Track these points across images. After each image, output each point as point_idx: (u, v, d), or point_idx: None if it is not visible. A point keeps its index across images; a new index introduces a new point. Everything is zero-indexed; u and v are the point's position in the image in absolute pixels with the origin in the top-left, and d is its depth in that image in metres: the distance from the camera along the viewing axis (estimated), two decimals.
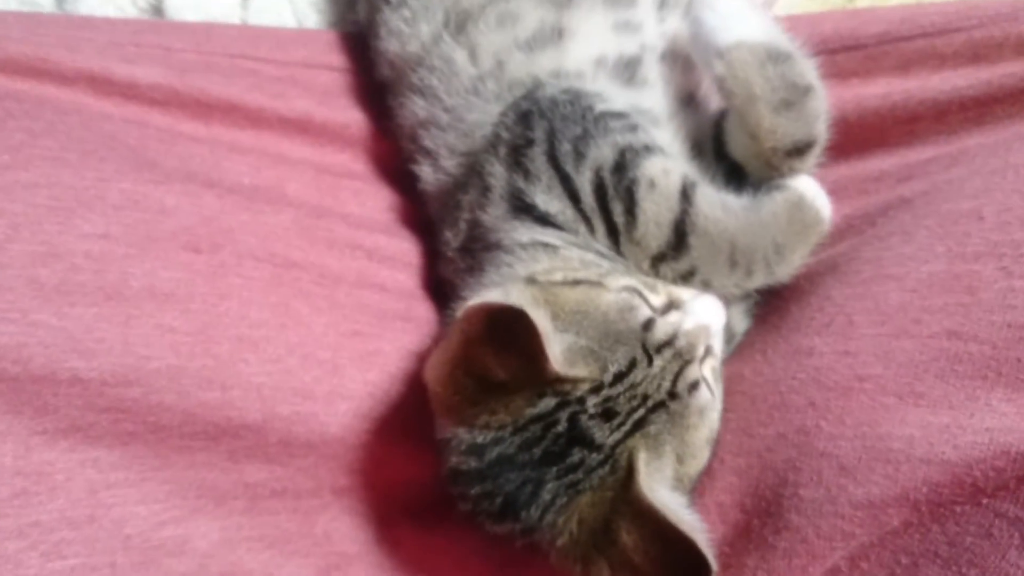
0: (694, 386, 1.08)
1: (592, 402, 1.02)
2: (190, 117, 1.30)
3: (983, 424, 0.90)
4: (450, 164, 1.33)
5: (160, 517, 1.02)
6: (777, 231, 1.15)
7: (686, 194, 1.13)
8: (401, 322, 1.28)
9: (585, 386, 1.02)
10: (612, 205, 1.14)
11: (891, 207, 1.18)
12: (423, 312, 1.32)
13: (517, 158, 1.20)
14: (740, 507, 1.07)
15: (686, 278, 1.15)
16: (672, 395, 1.06)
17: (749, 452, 1.08)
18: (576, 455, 1.02)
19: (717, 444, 1.12)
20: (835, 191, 1.22)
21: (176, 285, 1.08)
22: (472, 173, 1.27)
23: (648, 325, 1.07)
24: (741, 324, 1.25)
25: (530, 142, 1.20)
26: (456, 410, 1.04)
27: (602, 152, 1.16)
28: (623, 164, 1.15)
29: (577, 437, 1.02)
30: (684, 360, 1.08)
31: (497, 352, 0.99)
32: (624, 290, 1.09)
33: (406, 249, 1.38)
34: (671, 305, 1.13)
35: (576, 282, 1.09)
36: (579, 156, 1.17)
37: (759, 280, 1.17)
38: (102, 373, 0.99)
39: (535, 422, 1.02)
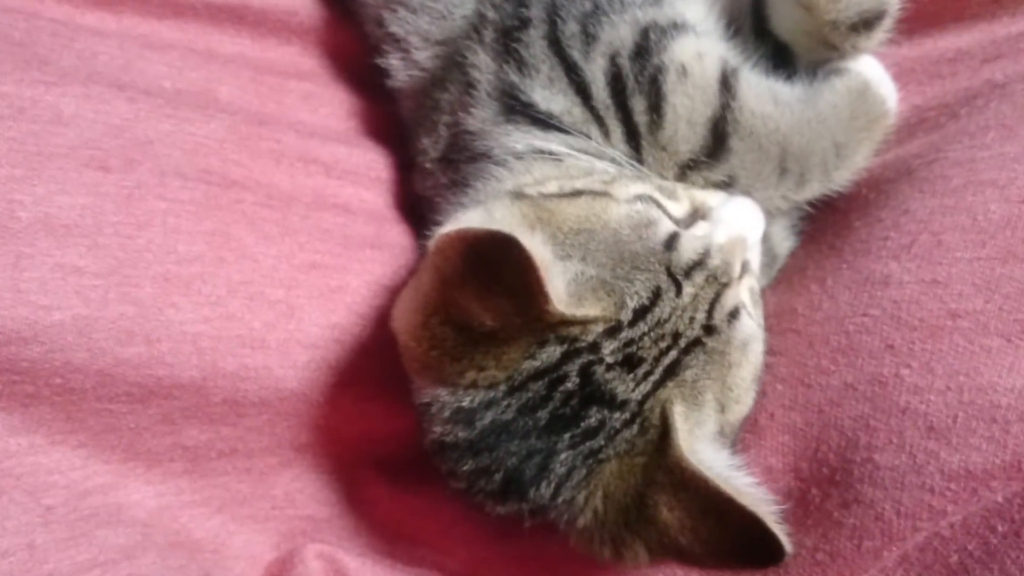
0: (734, 314, 0.87)
1: (609, 348, 0.82)
2: (94, 6, 1.07)
3: None
4: (424, 55, 1.09)
5: (83, 486, 0.87)
6: (839, 127, 0.93)
7: (727, 83, 0.91)
8: (370, 250, 1.08)
9: (598, 328, 0.82)
10: (632, 101, 0.92)
11: (978, 95, 0.95)
12: (397, 237, 1.12)
13: (508, 44, 0.96)
14: (795, 472, 0.87)
15: (720, 187, 0.93)
16: (709, 329, 0.85)
17: (807, 406, 0.88)
18: (594, 416, 0.82)
19: (762, 386, 0.92)
20: (900, 76, 1.00)
21: (79, 214, 0.87)
22: (452, 66, 1.03)
23: (671, 242, 0.86)
24: (784, 243, 1.04)
25: (525, 23, 0.96)
26: (434, 368, 0.83)
27: (619, 32, 0.93)
28: (646, 47, 0.92)
29: (594, 394, 0.82)
30: (720, 283, 0.87)
31: (481, 292, 0.77)
32: (637, 199, 0.87)
33: (372, 161, 1.15)
34: (696, 214, 0.91)
35: (576, 193, 0.88)
36: (589, 38, 0.93)
37: (813, 189, 0.95)
38: None
39: (537, 378, 0.82)
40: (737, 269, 0.89)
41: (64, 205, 0.86)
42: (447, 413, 0.85)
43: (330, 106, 1.19)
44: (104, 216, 0.88)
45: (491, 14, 0.99)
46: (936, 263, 0.83)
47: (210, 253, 0.94)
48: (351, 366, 1.01)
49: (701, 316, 0.85)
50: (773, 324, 0.95)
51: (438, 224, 0.90)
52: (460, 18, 1.05)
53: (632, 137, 0.93)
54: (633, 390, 0.82)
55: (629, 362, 0.82)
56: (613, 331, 0.82)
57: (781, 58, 1.01)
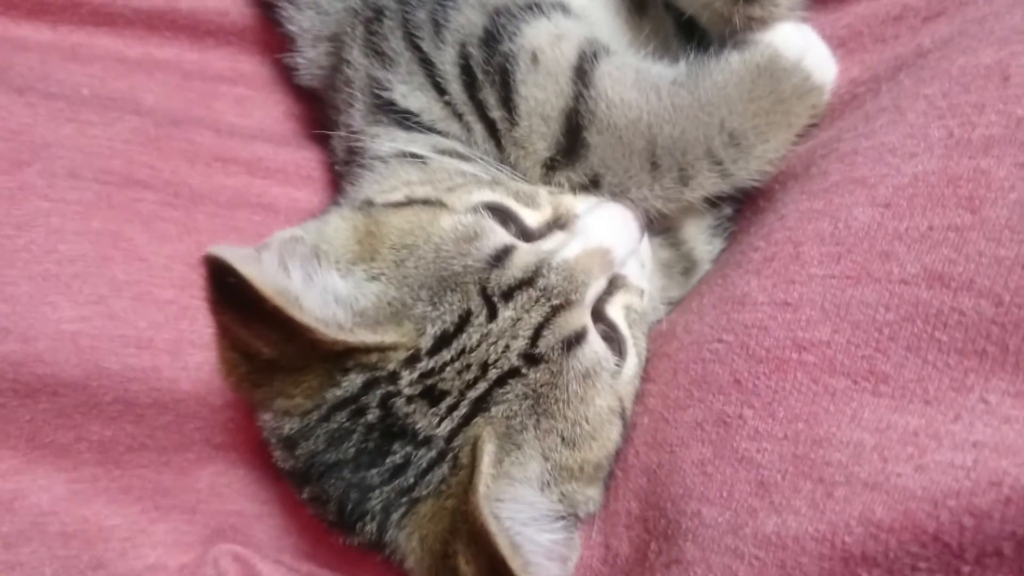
0: (573, 341, 0.75)
1: (407, 378, 0.73)
2: (29, 15, 1.09)
3: (970, 434, 0.55)
4: (315, 53, 1.03)
5: None
6: (730, 111, 0.78)
7: (581, 71, 0.79)
8: None
9: (399, 356, 0.73)
10: (483, 94, 0.82)
11: (903, 65, 0.76)
12: None
13: (370, 37, 0.89)
14: (643, 523, 0.74)
15: (588, 189, 0.81)
16: (531, 358, 0.74)
17: (662, 444, 0.75)
18: (399, 452, 0.74)
19: (634, 417, 0.80)
20: (847, 41, 0.83)
21: None
22: (339, 63, 0.96)
23: (500, 258, 0.75)
24: (706, 247, 0.89)
25: (379, 12, 0.88)
26: (243, 393, 0.79)
27: (467, 17, 0.83)
28: (495, 33, 0.81)
29: (393, 428, 0.74)
30: (553, 305, 0.75)
31: (242, 320, 0.71)
32: (475, 210, 0.77)
33: (304, 160, 1.11)
34: (556, 223, 0.80)
35: (408, 202, 0.79)
36: (438, 26, 0.84)
37: (708, 186, 0.80)
38: None
39: (340, 408, 0.75)
40: (588, 288, 0.77)
41: None
42: (273, 439, 0.80)
43: (266, 108, 1.17)
44: None
45: (359, 5, 0.92)
46: (790, 281, 0.67)
47: (94, 252, 0.93)
48: None
49: (520, 344, 0.74)
50: (654, 347, 0.82)
51: None
52: (338, 12, 0.99)
53: (493, 134, 0.83)
54: (437, 425, 0.74)
55: (430, 395, 0.74)
56: (411, 360, 0.74)
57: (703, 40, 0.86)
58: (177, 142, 1.03)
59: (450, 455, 0.73)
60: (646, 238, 0.83)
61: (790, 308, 0.66)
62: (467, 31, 0.83)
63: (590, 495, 0.79)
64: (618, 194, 0.80)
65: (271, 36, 1.16)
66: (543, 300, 0.75)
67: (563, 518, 0.76)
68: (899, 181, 0.63)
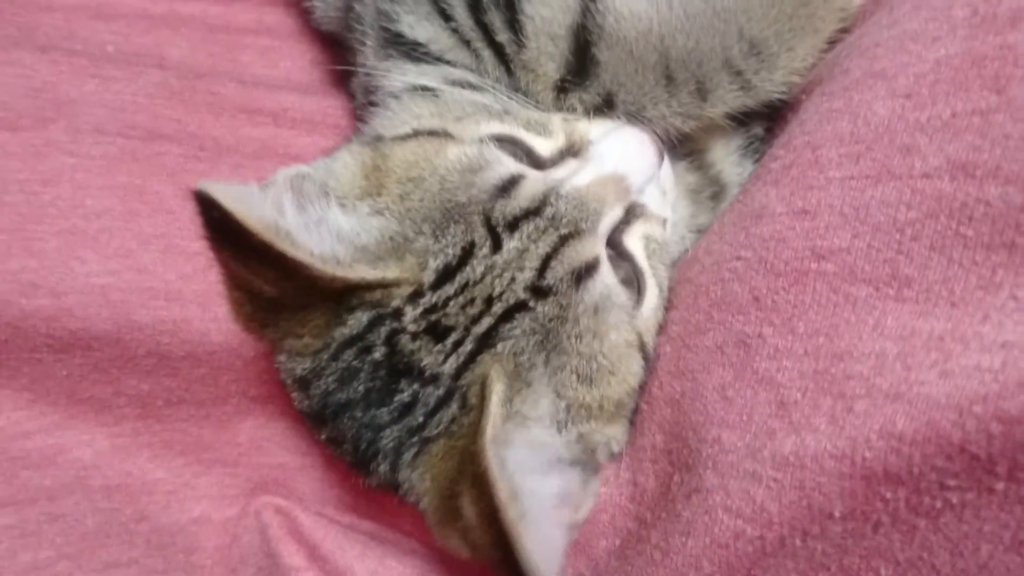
0: (584, 272, 0.71)
1: (411, 314, 0.71)
2: None
3: (999, 335, 0.50)
4: None
5: (22, 427, 0.90)
6: (746, 17, 0.73)
7: None
8: None
9: (402, 292, 0.71)
10: (489, 17, 0.78)
11: None
12: None
13: None
14: (668, 456, 0.70)
15: (603, 111, 0.77)
16: (538, 291, 0.71)
17: (684, 374, 0.71)
18: (406, 391, 0.72)
19: (656, 350, 0.76)
20: None
21: None
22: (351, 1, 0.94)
23: (507, 188, 0.72)
24: (735, 169, 0.84)
25: None
26: (254, 333, 0.78)
27: None
28: None
29: (399, 365, 0.72)
30: (562, 235, 0.71)
31: (238, 257, 0.70)
32: (481, 141, 0.74)
33: (329, 108, 1.09)
34: (569, 151, 0.76)
35: (415, 134, 0.76)
36: None
37: (729, 100, 0.75)
38: None
39: (348, 346, 0.73)
40: (605, 216, 0.73)
41: None
42: (290, 380, 0.79)
43: (290, 58, 1.15)
44: (9, 174, 0.91)
45: None
46: (808, 187, 0.62)
47: (120, 207, 0.94)
48: None
49: (527, 276, 0.71)
50: (679, 273, 0.78)
51: None
52: None
53: (502, 60, 0.80)
54: (442, 363, 0.71)
55: (434, 331, 0.72)
56: (415, 295, 0.71)
57: None
58: (202, 95, 1.03)
59: (458, 393, 0.71)
60: (667, 163, 0.78)
61: (808, 216, 0.61)
62: None
63: (612, 434, 0.76)
64: (634, 113, 0.76)
65: None
66: (551, 229, 0.71)
67: (580, 462, 0.73)
68: (920, 69, 0.57)
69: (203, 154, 1.00)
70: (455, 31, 0.81)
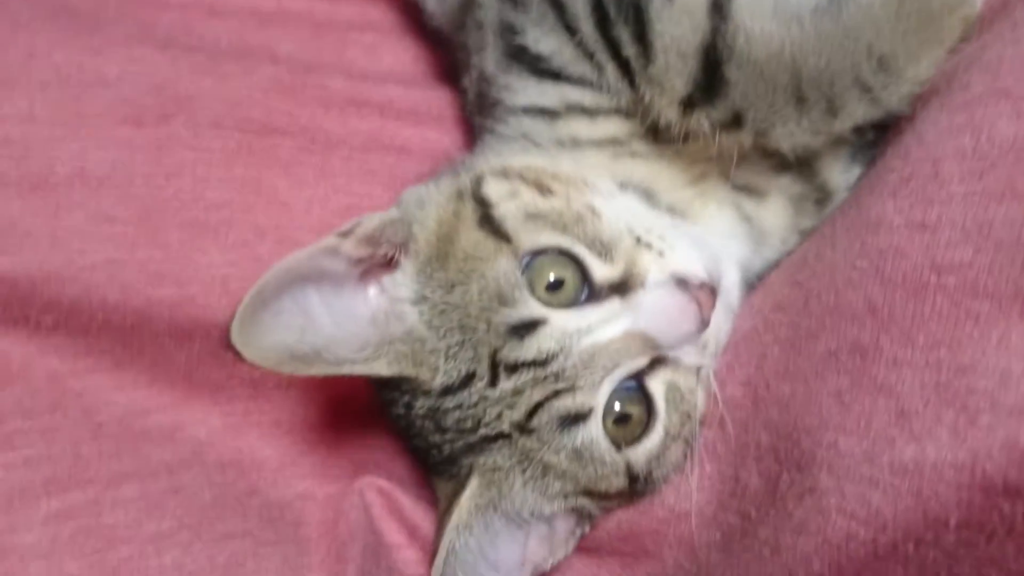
0: (572, 420, 0.78)
1: (419, 404, 0.83)
2: None
3: None
4: None
5: (143, 405, 0.95)
6: (878, 35, 0.73)
7: (718, 4, 0.76)
8: None
9: (416, 385, 0.83)
10: (617, 31, 0.80)
11: None
12: None
13: None
14: (774, 454, 0.73)
15: (731, 128, 0.78)
16: (522, 428, 0.79)
17: (795, 375, 0.73)
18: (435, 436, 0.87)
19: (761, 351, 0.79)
20: None
21: (112, 167, 0.95)
22: (470, 3, 0.96)
23: (523, 332, 0.78)
24: (842, 176, 0.85)
25: None
26: None
27: None
28: None
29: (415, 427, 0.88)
30: (557, 388, 0.78)
31: None
32: (533, 254, 0.80)
33: (433, 99, 1.12)
34: (621, 285, 0.79)
35: (486, 219, 0.82)
36: None
37: (858, 116, 0.76)
38: (28, 270, 0.89)
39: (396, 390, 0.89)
40: (619, 369, 0.78)
41: (98, 160, 0.94)
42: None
43: (396, 53, 1.18)
44: (135, 168, 0.95)
45: None
46: (928, 201, 0.63)
47: (238, 199, 0.98)
48: None
49: (515, 415, 0.79)
50: (786, 275, 0.79)
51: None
52: None
53: (626, 74, 0.82)
54: (444, 444, 0.84)
55: (436, 421, 0.83)
56: (425, 392, 0.82)
57: None
58: (311, 89, 1.06)
59: (454, 468, 0.85)
60: (720, 313, 0.82)
61: (928, 230, 0.62)
62: None
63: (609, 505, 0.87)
64: (763, 132, 0.77)
65: None
66: (548, 381, 0.78)
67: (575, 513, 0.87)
68: None
69: (314, 146, 1.03)
70: (579, 44, 0.83)
